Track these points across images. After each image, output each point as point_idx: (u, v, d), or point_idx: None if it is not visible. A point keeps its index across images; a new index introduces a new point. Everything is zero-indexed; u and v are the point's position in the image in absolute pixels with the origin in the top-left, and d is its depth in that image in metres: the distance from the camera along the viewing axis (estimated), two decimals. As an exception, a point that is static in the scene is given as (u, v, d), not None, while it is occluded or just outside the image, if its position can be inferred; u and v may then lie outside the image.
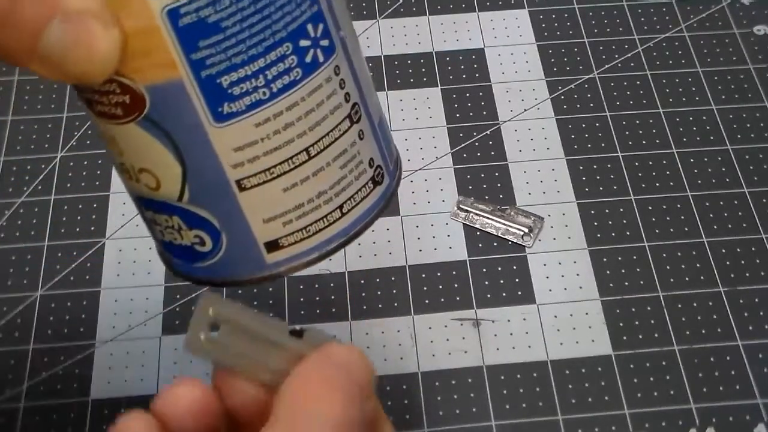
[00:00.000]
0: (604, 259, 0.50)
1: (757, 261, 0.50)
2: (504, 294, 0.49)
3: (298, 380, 0.26)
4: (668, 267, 0.49)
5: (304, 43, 0.26)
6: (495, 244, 0.50)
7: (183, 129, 0.26)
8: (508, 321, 0.48)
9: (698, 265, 0.50)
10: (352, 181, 0.29)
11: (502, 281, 0.49)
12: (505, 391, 0.45)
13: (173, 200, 0.27)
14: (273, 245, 0.28)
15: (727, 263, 0.50)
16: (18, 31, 0.23)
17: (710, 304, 0.48)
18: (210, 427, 0.27)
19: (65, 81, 0.25)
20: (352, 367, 0.27)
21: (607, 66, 0.58)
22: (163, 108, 0.25)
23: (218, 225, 0.27)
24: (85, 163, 0.54)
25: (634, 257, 0.50)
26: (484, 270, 0.49)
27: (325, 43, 0.27)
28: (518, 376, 0.46)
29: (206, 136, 0.26)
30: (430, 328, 0.48)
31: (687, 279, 0.49)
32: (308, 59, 0.26)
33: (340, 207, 0.28)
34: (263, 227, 0.28)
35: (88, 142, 0.55)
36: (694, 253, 0.50)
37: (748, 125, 0.55)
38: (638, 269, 0.49)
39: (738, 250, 0.50)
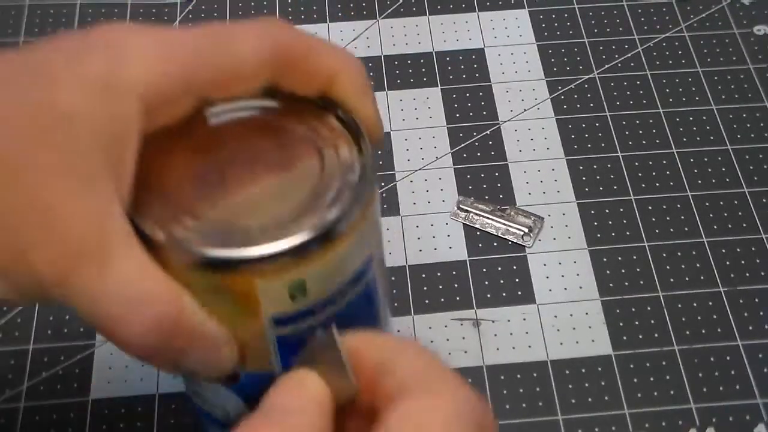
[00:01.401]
0: (604, 259, 0.50)
1: (757, 261, 0.50)
2: (504, 294, 0.49)
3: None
4: (668, 267, 0.49)
5: None
6: (495, 244, 0.50)
7: (262, 396, 0.30)
8: (508, 321, 0.48)
9: (698, 265, 0.50)
10: None
11: (502, 281, 0.49)
12: (505, 391, 0.45)
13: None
14: None
15: (727, 263, 0.50)
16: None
17: (710, 304, 0.48)
18: None
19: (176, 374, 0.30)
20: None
21: (607, 66, 0.58)
22: (252, 385, 0.30)
23: None
24: (85, 163, 0.54)
25: (634, 257, 0.50)
26: (484, 270, 0.49)
27: None
28: (518, 376, 0.46)
29: None
30: (430, 328, 0.48)
31: (687, 279, 0.49)
32: None
33: None
34: None
35: (88, 142, 0.55)
36: (694, 253, 0.50)
37: (748, 125, 0.55)
38: (638, 269, 0.49)
39: (738, 250, 0.50)
